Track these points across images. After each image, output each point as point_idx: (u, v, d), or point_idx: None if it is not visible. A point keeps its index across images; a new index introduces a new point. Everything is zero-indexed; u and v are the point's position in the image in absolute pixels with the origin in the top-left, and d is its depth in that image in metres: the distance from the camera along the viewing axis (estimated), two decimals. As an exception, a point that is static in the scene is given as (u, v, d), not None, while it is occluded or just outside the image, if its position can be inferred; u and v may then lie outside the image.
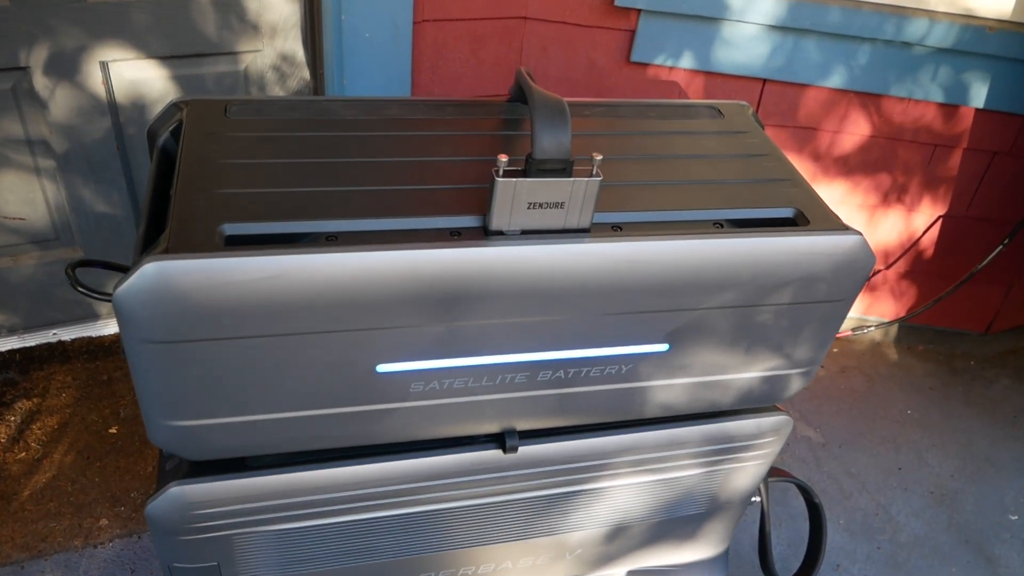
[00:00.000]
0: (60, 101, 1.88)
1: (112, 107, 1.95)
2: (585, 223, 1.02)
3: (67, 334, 2.28)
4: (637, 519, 1.50)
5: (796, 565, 1.97)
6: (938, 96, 2.17)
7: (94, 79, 1.88)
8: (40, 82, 1.83)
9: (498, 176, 0.95)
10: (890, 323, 2.36)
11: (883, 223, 2.47)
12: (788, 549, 2.00)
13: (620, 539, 1.54)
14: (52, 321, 2.25)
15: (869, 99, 2.20)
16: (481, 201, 1.05)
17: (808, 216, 1.13)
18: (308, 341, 0.98)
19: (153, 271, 0.88)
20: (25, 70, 1.81)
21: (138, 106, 1.97)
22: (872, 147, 2.30)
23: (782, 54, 2.08)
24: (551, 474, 1.32)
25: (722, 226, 1.10)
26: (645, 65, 2.11)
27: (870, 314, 2.69)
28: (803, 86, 2.17)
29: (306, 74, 2.10)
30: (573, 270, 1.01)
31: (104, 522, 1.84)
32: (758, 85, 2.16)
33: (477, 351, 1.07)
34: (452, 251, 0.96)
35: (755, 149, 1.26)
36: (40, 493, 1.87)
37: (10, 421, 2.01)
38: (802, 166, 2.33)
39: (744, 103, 1.38)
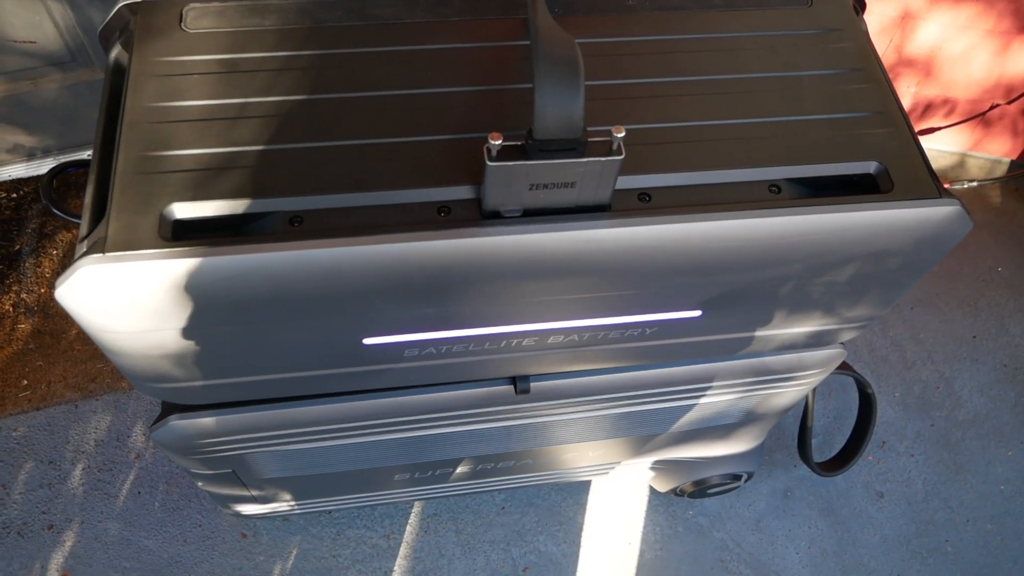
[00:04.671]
0: (44, -86, 1.64)
1: (105, -83, 1.69)
2: (603, 199, 0.83)
3: (104, 156, 2.21)
4: (667, 431, 1.43)
5: (838, 439, 1.91)
6: None
7: None
8: None
9: (489, 160, 0.76)
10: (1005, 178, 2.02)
11: (1014, 53, 2.05)
12: (833, 422, 1.92)
13: (649, 441, 1.49)
14: (86, 141, 2.18)
15: (1028, -101, 1.72)
16: (479, 158, 0.86)
17: (893, 175, 0.89)
18: (277, 326, 0.87)
19: (91, 273, 0.76)
20: None
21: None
22: (1020, -40, 1.85)
23: None
24: (570, 404, 1.24)
25: (779, 190, 0.89)
26: None
27: (979, 151, 2.35)
28: None
29: None
30: (588, 256, 0.84)
31: (151, 363, 1.90)
32: None
33: (475, 325, 0.95)
34: (437, 243, 0.81)
35: (845, 60, 0.98)
36: (89, 331, 1.92)
37: (52, 255, 2.02)
38: (925, -18, 1.91)
39: (844, -23, 1.07)
